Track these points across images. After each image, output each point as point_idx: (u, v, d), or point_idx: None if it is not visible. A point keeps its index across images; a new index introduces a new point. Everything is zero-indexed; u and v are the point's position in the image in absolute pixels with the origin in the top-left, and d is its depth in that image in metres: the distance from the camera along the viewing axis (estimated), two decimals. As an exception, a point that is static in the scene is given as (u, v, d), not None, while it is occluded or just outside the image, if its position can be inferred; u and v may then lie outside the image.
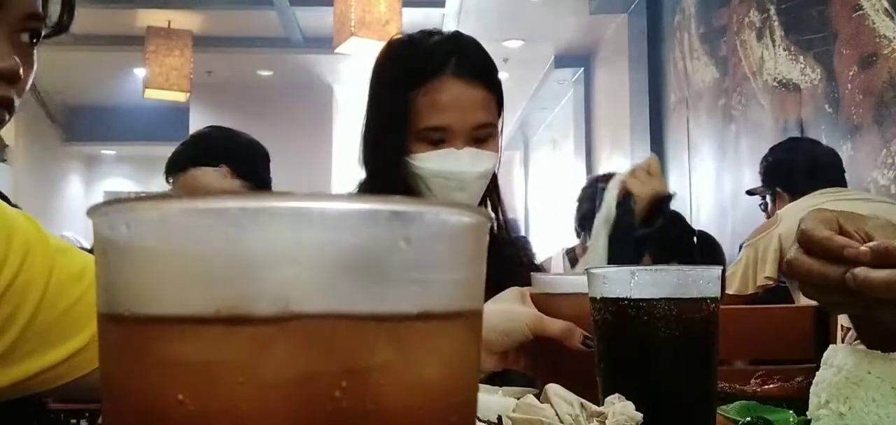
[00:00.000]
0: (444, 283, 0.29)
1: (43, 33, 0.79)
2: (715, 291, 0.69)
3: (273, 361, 0.26)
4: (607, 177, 1.46)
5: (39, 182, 8.91)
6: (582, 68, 7.43)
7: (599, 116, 7.17)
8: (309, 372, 0.26)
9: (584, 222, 2.91)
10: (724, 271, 2.38)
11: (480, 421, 0.62)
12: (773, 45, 3.82)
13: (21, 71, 0.75)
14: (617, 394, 0.63)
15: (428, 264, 0.28)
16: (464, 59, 1.25)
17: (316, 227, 0.27)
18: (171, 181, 2.37)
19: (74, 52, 6.55)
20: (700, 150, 4.85)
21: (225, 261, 0.26)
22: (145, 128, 9.03)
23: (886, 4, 2.88)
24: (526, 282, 0.96)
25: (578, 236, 3.11)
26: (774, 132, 3.73)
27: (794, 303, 2.19)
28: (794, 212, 2.35)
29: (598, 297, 0.71)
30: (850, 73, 3.13)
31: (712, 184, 4.67)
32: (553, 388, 0.62)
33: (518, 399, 0.63)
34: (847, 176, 2.63)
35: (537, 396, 0.64)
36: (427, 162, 1.23)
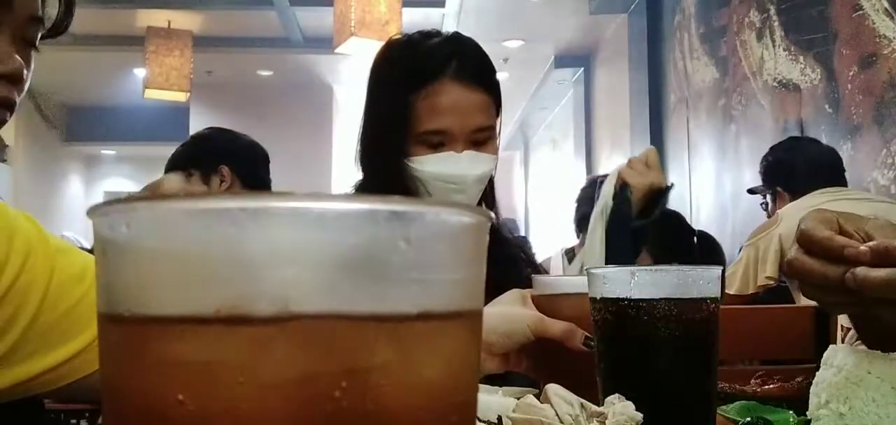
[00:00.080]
0: (444, 283, 0.29)
1: (41, 35, 0.80)
2: (715, 291, 0.69)
3: (273, 361, 0.26)
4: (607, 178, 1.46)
5: (39, 182, 8.91)
6: (582, 68, 7.43)
7: (599, 116, 7.17)
8: (309, 372, 0.26)
9: (583, 223, 2.91)
10: (724, 271, 2.39)
11: (480, 421, 0.62)
12: (773, 45, 3.82)
13: (25, 73, 0.76)
14: (617, 394, 0.63)
15: (428, 264, 0.28)
16: (463, 61, 1.25)
17: (316, 227, 0.27)
18: (170, 182, 2.37)
19: (74, 52, 6.55)
20: (700, 150, 4.85)
21: (225, 261, 0.26)
22: (145, 128, 9.03)
23: (886, 4, 2.88)
24: (526, 281, 0.96)
25: (578, 236, 3.11)
26: (774, 132, 3.73)
27: (794, 302, 2.19)
28: (795, 212, 2.35)
29: (598, 297, 0.71)
30: (850, 73, 3.13)
31: (712, 184, 4.67)
32: (553, 388, 0.62)
33: (518, 399, 0.63)
34: (847, 176, 2.63)
35: (537, 396, 0.64)
36: (426, 165, 1.23)
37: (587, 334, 0.81)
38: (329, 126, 8.48)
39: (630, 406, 0.61)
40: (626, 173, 1.30)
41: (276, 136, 5.79)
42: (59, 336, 0.68)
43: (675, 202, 5.12)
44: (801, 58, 3.55)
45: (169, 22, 6.61)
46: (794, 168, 2.61)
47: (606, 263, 1.27)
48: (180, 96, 6.66)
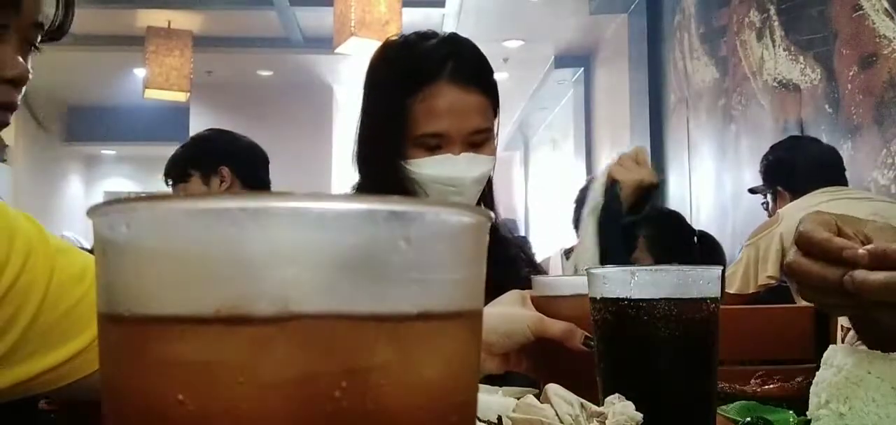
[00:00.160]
0: (444, 283, 0.29)
1: (41, 37, 0.80)
2: (715, 291, 0.69)
3: (273, 361, 0.26)
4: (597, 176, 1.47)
5: (39, 182, 8.91)
6: (582, 68, 7.42)
7: (599, 116, 7.17)
8: (309, 372, 0.26)
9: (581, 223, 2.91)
10: (724, 271, 2.39)
11: (480, 421, 0.62)
12: (773, 45, 3.82)
13: (29, 77, 0.78)
14: (617, 394, 0.63)
15: (428, 264, 0.28)
16: (460, 63, 1.24)
17: (316, 227, 0.27)
18: (170, 183, 2.38)
19: (74, 52, 6.55)
20: (700, 150, 4.85)
21: (225, 261, 0.26)
22: (145, 128, 9.03)
23: (886, 4, 2.88)
24: (526, 281, 0.96)
25: (577, 237, 3.11)
26: (774, 132, 3.73)
27: (795, 302, 2.19)
28: (796, 211, 2.35)
29: (598, 297, 0.71)
30: (850, 73, 3.13)
31: (712, 184, 4.67)
32: (553, 388, 0.62)
33: (518, 399, 0.63)
34: (847, 176, 2.63)
35: (537, 396, 0.64)
36: (424, 167, 1.23)
37: (587, 334, 0.81)
38: (329, 126, 8.47)
39: (630, 406, 0.61)
40: (615, 170, 1.31)
41: (276, 136, 5.79)
42: (59, 336, 0.68)
43: (675, 202, 5.13)
44: (801, 58, 3.55)
45: (169, 22, 6.61)
46: (795, 167, 2.61)
47: (600, 261, 1.27)
48: (180, 96, 6.66)
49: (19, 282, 0.65)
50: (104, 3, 6.03)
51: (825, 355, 0.70)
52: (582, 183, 4.19)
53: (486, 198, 1.33)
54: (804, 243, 0.66)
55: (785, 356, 1.69)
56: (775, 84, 3.81)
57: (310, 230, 0.27)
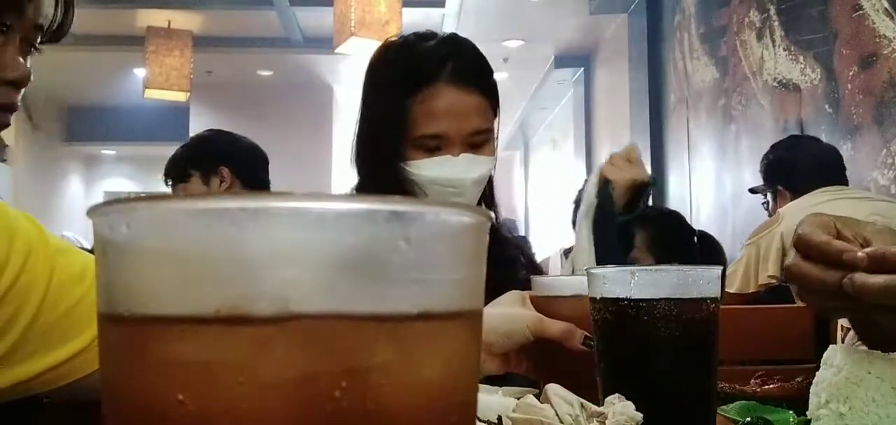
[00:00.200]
0: (444, 283, 0.29)
1: (41, 38, 0.81)
2: (715, 291, 0.69)
3: (273, 361, 0.26)
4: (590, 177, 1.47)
5: (39, 182, 8.91)
6: (582, 68, 7.42)
7: (599, 116, 7.17)
8: (309, 372, 0.26)
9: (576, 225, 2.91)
10: (724, 271, 2.39)
11: (480, 421, 0.62)
12: (773, 45, 3.82)
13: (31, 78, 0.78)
14: (617, 394, 0.63)
15: (428, 264, 0.28)
16: (459, 63, 1.24)
17: (316, 227, 0.27)
18: (170, 183, 2.38)
19: (74, 52, 6.54)
20: (700, 150, 4.84)
21: (225, 261, 0.26)
22: (145, 128, 9.03)
23: (886, 4, 2.87)
24: (525, 282, 0.96)
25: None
26: (774, 132, 3.73)
27: (796, 302, 2.19)
28: (796, 211, 2.35)
29: (597, 297, 0.71)
30: (850, 73, 3.13)
31: (712, 184, 4.67)
32: (553, 388, 0.62)
33: (518, 399, 0.63)
34: (847, 175, 2.63)
35: (537, 396, 0.64)
36: (423, 169, 1.22)
37: (586, 334, 0.81)
38: (329, 126, 8.48)
39: (630, 406, 0.61)
40: (606, 170, 1.31)
41: (276, 136, 5.80)
42: (59, 336, 0.68)
43: (675, 202, 5.13)
44: (801, 58, 3.55)
45: (169, 22, 6.61)
46: (796, 166, 2.60)
47: (596, 261, 1.27)
48: (180, 96, 6.66)
49: (19, 282, 0.65)
50: (104, 3, 6.03)
51: (825, 355, 0.70)
52: (582, 182, 4.19)
53: (487, 198, 1.33)
54: (803, 246, 0.66)
55: (785, 356, 1.69)
56: (775, 84, 3.81)
57: (310, 230, 0.27)
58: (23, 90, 0.79)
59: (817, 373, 0.70)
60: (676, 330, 0.67)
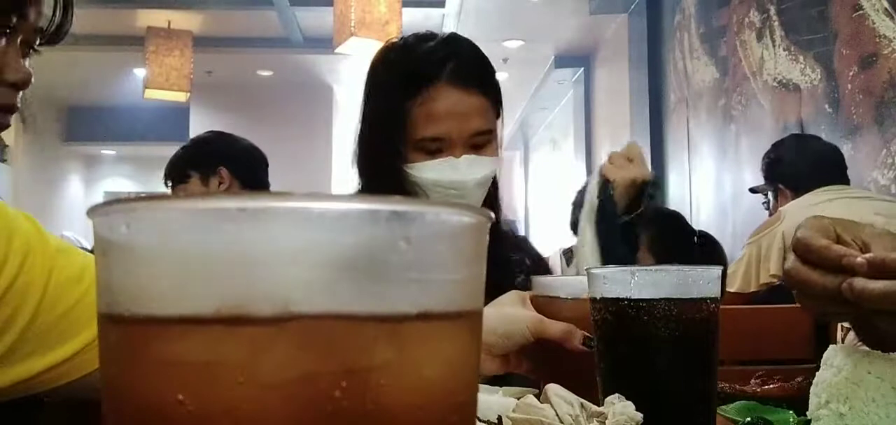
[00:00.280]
0: (444, 283, 0.29)
1: (40, 39, 0.81)
2: (715, 291, 0.69)
3: (273, 361, 0.26)
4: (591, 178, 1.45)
5: (39, 182, 8.90)
6: (582, 68, 7.42)
7: (599, 116, 7.17)
8: (309, 372, 0.26)
9: (578, 226, 2.90)
10: (725, 271, 2.39)
11: (480, 421, 0.62)
12: (773, 45, 3.82)
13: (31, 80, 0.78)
14: (617, 394, 0.63)
15: (428, 264, 0.28)
16: (460, 64, 1.23)
17: (316, 227, 0.27)
18: (169, 185, 2.38)
19: (74, 52, 6.54)
20: (700, 150, 4.84)
21: (225, 261, 0.26)
22: (145, 128, 9.03)
23: (886, 4, 2.87)
24: (526, 282, 0.96)
25: (576, 237, 3.11)
26: (774, 132, 3.73)
27: (796, 302, 2.18)
28: (797, 210, 2.35)
29: (598, 297, 0.71)
30: (850, 73, 3.13)
31: (712, 184, 4.67)
32: (553, 388, 0.62)
33: (518, 399, 0.63)
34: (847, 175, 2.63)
35: (537, 396, 0.64)
36: (425, 171, 1.21)
37: (586, 334, 0.81)
38: (329, 126, 8.47)
39: (630, 406, 0.61)
40: (607, 169, 1.29)
41: (276, 136, 5.79)
42: (57, 336, 0.68)
43: (675, 202, 5.13)
44: (801, 58, 3.55)
45: (169, 22, 6.61)
46: (797, 165, 2.60)
47: (601, 262, 1.26)
48: (180, 96, 6.65)
49: (17, 282, 0.65)
50: (104, 3, 6.02)
51: (825, 355, 0.70)
52: (582, 183, 4.19)
53: (492, 200, 1.31)
54: (802, 249, 0.66)
55: (785, 356, 1.69)
56: (775, 84, 3.81)
57: (310, 230, 0.27)
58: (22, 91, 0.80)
59: (817, 374, 0.70)
60: (676, 330, 0.67)
